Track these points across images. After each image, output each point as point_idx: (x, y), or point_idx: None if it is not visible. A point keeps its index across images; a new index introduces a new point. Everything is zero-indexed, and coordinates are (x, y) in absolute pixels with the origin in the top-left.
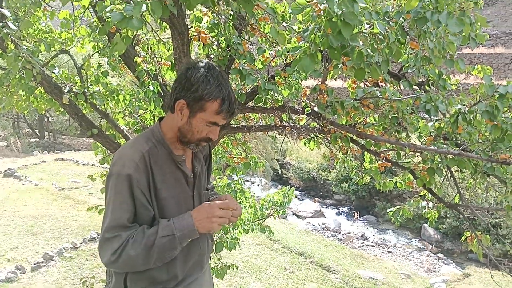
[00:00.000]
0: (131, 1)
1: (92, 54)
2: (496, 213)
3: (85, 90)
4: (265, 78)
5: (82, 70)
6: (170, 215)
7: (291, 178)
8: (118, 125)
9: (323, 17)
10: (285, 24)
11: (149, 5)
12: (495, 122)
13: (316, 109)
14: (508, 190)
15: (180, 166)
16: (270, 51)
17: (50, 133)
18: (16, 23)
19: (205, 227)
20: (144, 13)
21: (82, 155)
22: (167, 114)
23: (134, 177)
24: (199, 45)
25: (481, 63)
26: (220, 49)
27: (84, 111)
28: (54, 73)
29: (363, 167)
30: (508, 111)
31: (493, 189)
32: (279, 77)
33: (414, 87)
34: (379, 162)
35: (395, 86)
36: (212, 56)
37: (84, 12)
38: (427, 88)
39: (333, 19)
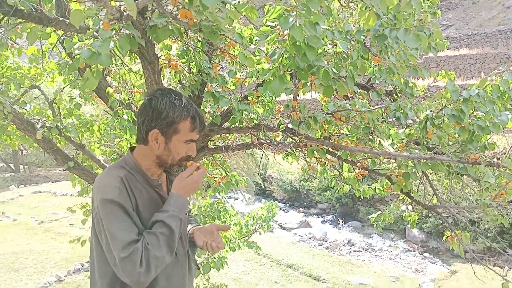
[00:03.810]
0: (98, 37)
1: (63, 88)
2: (473, 211)
3: (58, 124)
4: (238, 99)
5: (54, 104)
6: None
7: (274, 190)
8: (94, 155)
9: (287, 41)
10: (253, 46)
11: (116, 41)
12: (463, 125)
13: (290, 125)
14: (482, 188)
15: (157, 190)
16: (241, 72)
17: (25, 166)
18: None
19: (190, 188)
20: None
21: (60, 186)
22: (138, 146)
23: (120, 200)
24: (170, 72)
25: (447, 65)
26: (192, 74)
27: (58, 144)
28: (26, 109)
29: (341, 177)
30: (474, 113)
31: (469, 188)
32: (252, 96)
33: (383, 96)
34: (357, 171)
35: (364, 98)
36: (184, 81)
37: (53, 48)
38: (395, 97)
39: (297, 43)
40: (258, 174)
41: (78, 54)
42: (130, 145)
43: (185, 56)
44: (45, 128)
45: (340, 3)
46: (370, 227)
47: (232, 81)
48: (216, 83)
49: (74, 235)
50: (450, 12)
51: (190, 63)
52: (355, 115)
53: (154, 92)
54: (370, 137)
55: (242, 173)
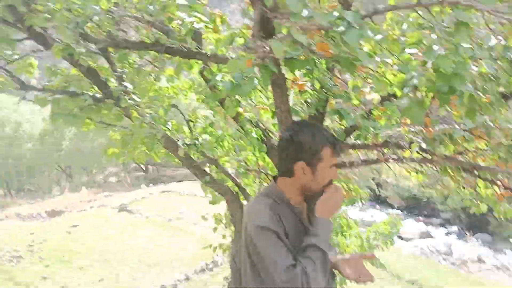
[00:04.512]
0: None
1: (198, 108)
2: None
3: (196, 141)
4: (363, 115)
5: (190, 122)
6: None
7: (390, 197)
8: (225, 169)
9: (431, 69)
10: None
11: (260, 79)
12: None
13: (423, 145)
14: None
15: (301, 220)
16: (366, 88)
17: (154, 167)
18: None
19: (333, 210)
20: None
21: (184, 186)
22: (281, 178)
23: (273, 227)
24: (295, 91)
25: None
26: (315, 92)
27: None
28: (167, 127)
29: (478, 195)
30: None
31: None
32: (377, 110)
33: None
34: (499, 192)
35: (505, 109)
36: (309, 100)
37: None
38: None
39: (440, 70)
40: (372, 179)
41: (222, 86)
42: (257, 159)
43: (309, 75)
44: (185, 145)
45: (488, 26)
46: (503, 241)
47: (356, 97)
48: (340, 100)
49: (198, 234)
50: None
51: (314, 81)
52: (498, 133)
53: (291, 126)
54: None
55: (354, 178)
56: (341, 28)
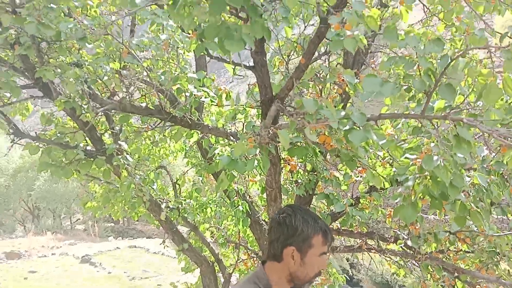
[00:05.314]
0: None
1: (187, 171)
2: None
3: (179, 206)
4: (351, 203)
5: (177, 185)
6: None
7: (363, 280)
8: (204, 237)
9: (428, 177)
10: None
11: (260, 161)
12: None
13: (409, 243)
14: None
15: None
16: (357, 177)
17: (125, 218)
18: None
19: None
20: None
21: (154, 243)
22: (270, 263)
23: None
24: (286, 170)
25: None
26: (307, 173)
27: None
28: (153, 188)
29: None
30: None
31: None
32: (364, 200)
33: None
34: None
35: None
36: (300, 181)
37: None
38: None
39: (438, 179)
40: (346, 259)
41: (219, 160)
42: (239, 232)
43: (305, 153)
44: (168, 208)
45: (488, 146)
46: None
47: (345, 183)
48: (329, 184)
49: None
50: None
51: (307, 163)
52: (482, 240)
53: (284, 209)
54: (496, 262)
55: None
56: (347, 127)
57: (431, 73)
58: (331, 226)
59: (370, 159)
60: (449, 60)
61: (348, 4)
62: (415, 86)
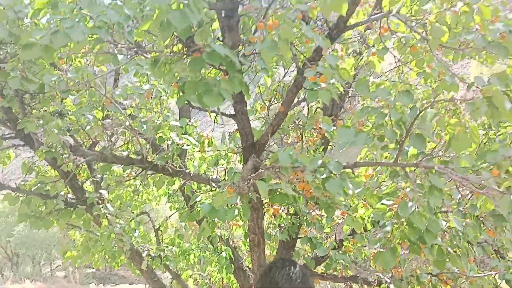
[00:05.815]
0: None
1: (170, 216)
2: None
3: (161, 253)
4: (334, 246)
5: (159, 231)
6: None
7: None
8: (187, 286)
9: (405, 224)
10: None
11: (240, 209)
12: None
13: (392, 286)
14: None
15: None
16: (340, 220)
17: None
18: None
19: None
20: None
21: None
22: None
23: None
24: (269, 215)
25: None
26: (290, 217)
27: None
28: (135, 235)
29: None
30: None
31: None
32: (348, 242)
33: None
34: None
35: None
36: (282, 225)
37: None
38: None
39: (414, 225)
40: None
41: (200, 208)
42: (222, 280)
43: (286, 200)
44: (149, 257)
45: (459, 192)
46: None
47: (328, 225)
48: (312, 227)
49: None
50: None
51: (289, 206)
52: (463, 281)
53: (276, 261)
54: None
55: None
56: (324, 176)
57: (402, 124)
58: (315, 270)
59: (352, 201)
60: (418, 112)
61: (323, 56)
62: (387, 136)
